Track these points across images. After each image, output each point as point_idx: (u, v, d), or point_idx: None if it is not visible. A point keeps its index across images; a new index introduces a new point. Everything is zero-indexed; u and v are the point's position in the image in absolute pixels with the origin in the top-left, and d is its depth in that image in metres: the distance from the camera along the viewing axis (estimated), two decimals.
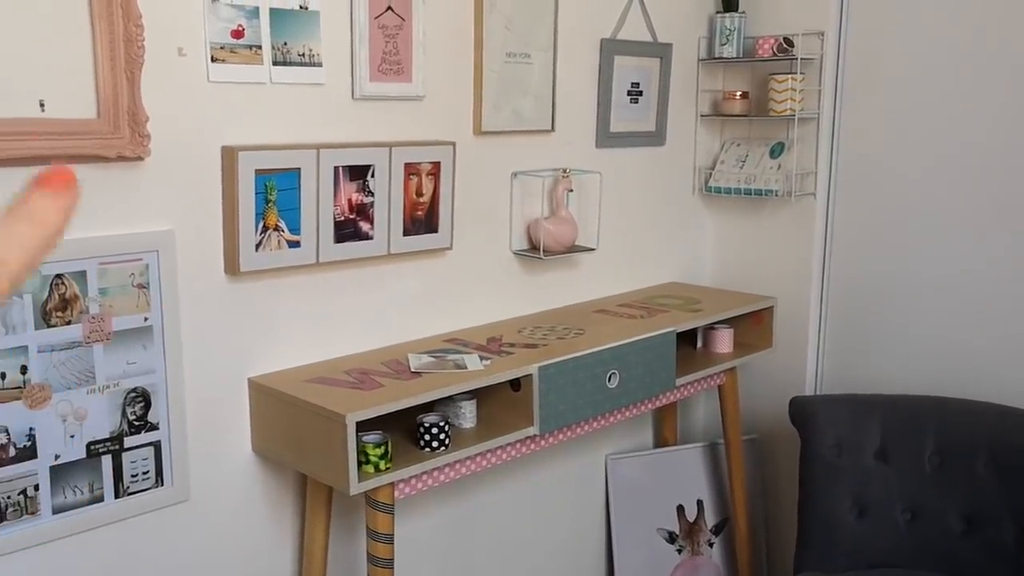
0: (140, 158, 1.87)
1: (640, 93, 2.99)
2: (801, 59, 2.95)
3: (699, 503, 3.19)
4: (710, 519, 3.21)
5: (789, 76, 2.96)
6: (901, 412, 2.70)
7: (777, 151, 3.10)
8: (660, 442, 3.29)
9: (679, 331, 2.61)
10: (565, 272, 2.87)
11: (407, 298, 2.44)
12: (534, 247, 2.72)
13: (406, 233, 2.36)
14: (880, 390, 2.99)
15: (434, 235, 2.42)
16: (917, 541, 2.61)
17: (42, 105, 1.74)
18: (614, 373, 2.41)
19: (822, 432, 2.69)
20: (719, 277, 3.35)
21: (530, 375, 2.22)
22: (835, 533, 2.65)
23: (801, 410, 2.75)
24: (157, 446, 2.00)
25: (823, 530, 2.67)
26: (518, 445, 2.30)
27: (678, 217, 3.24)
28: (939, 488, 2.61)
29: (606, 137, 2.90)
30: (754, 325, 2.96)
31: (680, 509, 3.17)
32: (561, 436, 2.40)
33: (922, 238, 2.92)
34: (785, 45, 2.97)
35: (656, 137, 3.08)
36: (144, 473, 1.99)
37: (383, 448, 1.97)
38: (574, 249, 2.75)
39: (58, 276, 1.80)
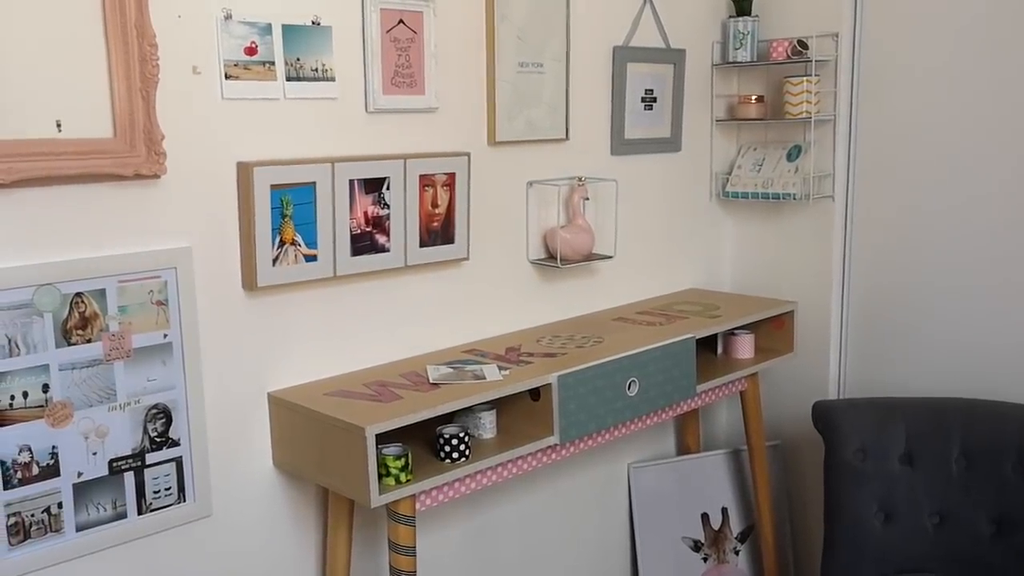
0: (156, 176, 1.89)
1: (654, 100, 2.98)
2: (816, 61, 2.94)
3: (723, 511, 3.17)
4: (735, 526, 3.18)
5: (804, 78, 2.94)
6: (926, 415, 2.66)
7: (794, 154, 3.08)
8: (682, 450, 3.27)
9: (699, 337, 2.59)
10: (582, 280, 2.87)
11: (424, 309, 2.44)
12: (551, 256, 2.72)
13: (422, 244, 2.36)
14: (903, 393, 2.96)
15: (450, 246, 2.42)
16: (945, 546, 2.57)
17: (59, 125, 1.76)
18: (634, 381, 2.40)
19: (846, 437, 2.66)
20: (738, 282, 3.33)
21: (549, 384, 2.21)
22: (862, 539, 2.62)
23: (824, 415, 2.72)
24: (179, 462, 2.01)
25: (849, 536, 2.63)
26: (538, 455, 2.29)
27: (695, 223, 3.22)
28: (967, 492, 2.57)
29: (621, 144, 2.90)
30: (775, 330, 2.94)
31: (705, 517, 3.14)
32: (582, 445, 2.39)
33: (943, 238, 2.89)
34: (799, 47, 2.96)
35: (671, 143, 3.07)
36: (166, 489, 1.99)
37: (403, 460, 1.97)
38: (591, 257, 2.74)
39: (78, 295, 1.82)
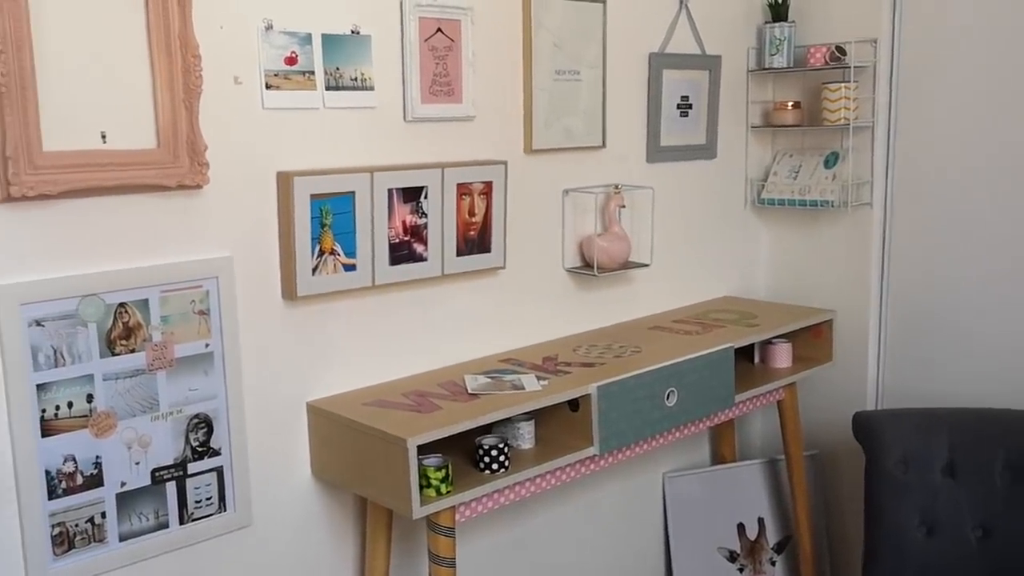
0: (199, 186, 1.89)
1: (690, 106, 2.96)
2: (854, 67, 2.90)
3: (760, 521, 3.13)
4: (771, 537, 3.14)
5: (843, 85, 2.91)
6: (969, 426, 2.62)
7: (831, 161, 3.05)
8: (718, 459, 3.24)
9: (737, 347, 2.57)
10: (618, 289, 2.85)
11: (461, 319, 2.43)
12: (587, 264, 2.70)
13: (459, 253, 2.35)
14: (943, 403, 2.91)
15: (487, 255, 2.41)
16: (989, 560, 2.53)
17: (104, 137, 1.77)
18: (672, 391, 2.38)
19: (888, 448, 2.62)
20: (773, 290, 3.30)
21: (588, 395, 2.19)
22: (903, 551, 2.58)
23: (865, 425, 2.68)
24: (219, 471, 2.01)
25: (891, 548, 2.59)
26: (577, 466, 2.28)
27: (730, 230, 3.20)
28: (1012, 504, 2.52)
29: (657, 151, 2.88)
30: (813, 339, 2.91)
31: (740, 527, 3.11)
32: (619, 455, 2.37)
33: (983, 245, 2.85)
34: (837, 53, 2.93)
35: (707, 150, 3.05)
36: (207, 499, 1.99)
37: (444, 471, 1.96)
38: (628, 265, 2.72)
39: (121, 305, 1.82)
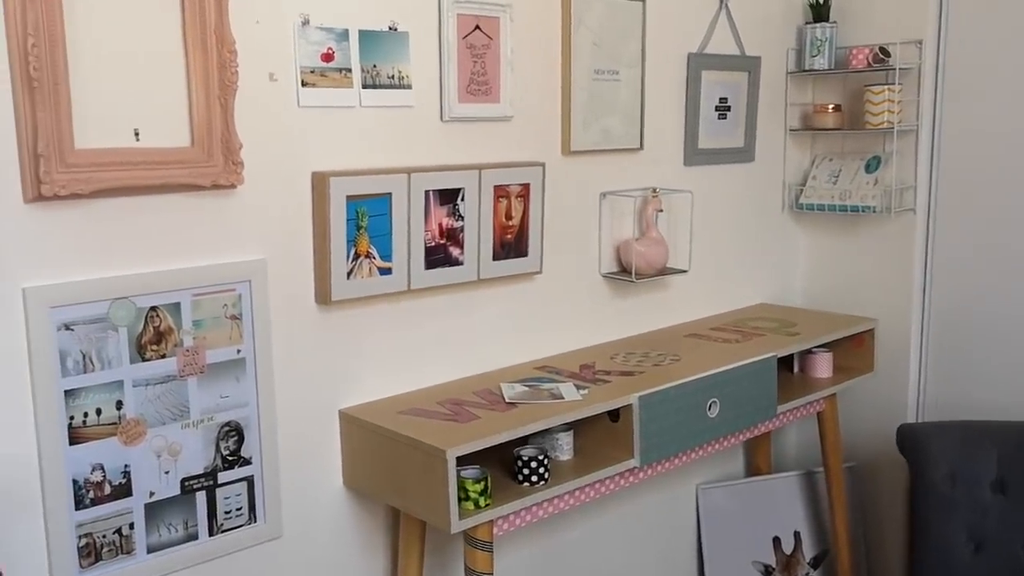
0: (233, 186, 1.83)
1: (728, 108, 2.88)
2: (899, 69, 2.82)
3: (796, 534, 3.05)
4: (808, 551, 3.06)
5: (886, 87, 2.82)
6: (1019, 440, 2.53)
7: (873, 165, 2.96)
8: (752, 470, 3.16)
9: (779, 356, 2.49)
10: (654, 295, 2.77)
11: (496, 324, 2.36)
12: (623, 270, 2.63)
13: (495, 258, 2.28)
14: (987, 416, 2.82)
15: (524, 259, 2.34)
16: None
17: (137, 134, 1.71)
18: (715, 401, 2.30)
19: (934, 462, 2.53)
20: (810, 298, 3.21)
21: (630, 405, 2.12)
22: (951, 569, 2.49)
23: (910, 438, 2.60)
24: (250, 481, 1.94)
25: (938, 565, 2.51)
26: (616, 478, 2.20)
27: (767, 236, 3.12)
28: None
29: (694, 154, 2.80)
30: (854, 348, 2.82)
31: (776, 541, 3.02)
32: (659, 467, 2.29)
33: None
34: (881, 55, 2.84)
35: (745, 153, 2.97)
36: (237, 510, 1.93)
37: (483, 484, 1.89)
38: (665, 271, 2.64)
39: (152, 309, 1.76)
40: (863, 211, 2.94)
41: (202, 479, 1.87)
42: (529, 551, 2.56)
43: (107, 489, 1.74)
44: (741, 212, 3.01)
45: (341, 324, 2.06)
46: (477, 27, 2.20)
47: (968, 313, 2.89)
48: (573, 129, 2.43)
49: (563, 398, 2.11)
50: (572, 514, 2.66)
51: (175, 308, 1.79)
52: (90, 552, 1.73)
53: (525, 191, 2.31)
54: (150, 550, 1.81)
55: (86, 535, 1.73)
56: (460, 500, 1.87)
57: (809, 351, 2.74)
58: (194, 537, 1.87)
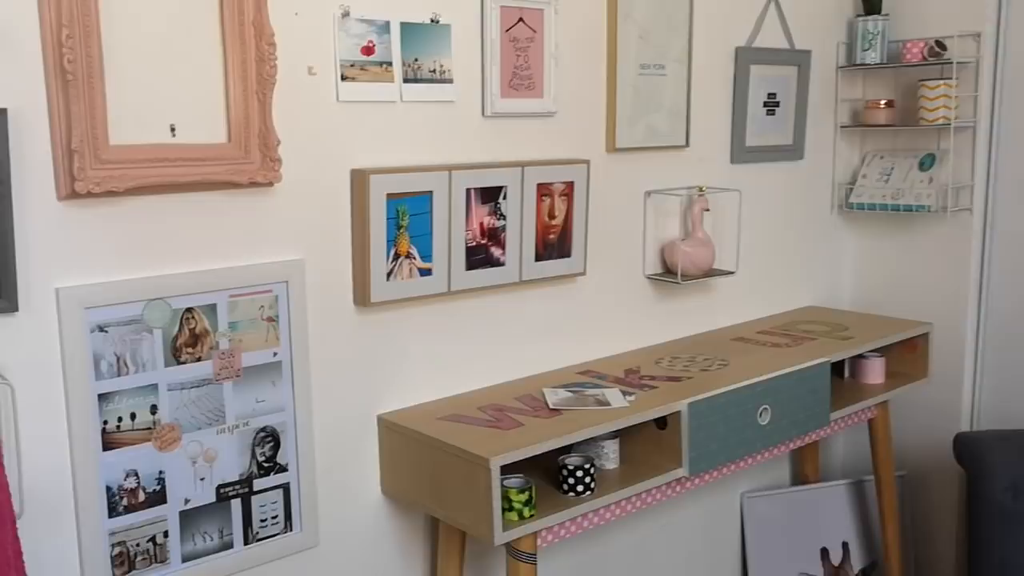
0: (271, 184, 1.77)
1: (776, 104, 2.78)
2: (956, 63, 2.70)
3: (844, 545, 2.94)
4: (856, 563, 2.95)
5: (942, 82, 2.71)
6: None
7: (927, 163, 2.85)
8: (799, 479, 3.06)
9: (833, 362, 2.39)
10: (699, 297, 2.68)
11: (538, 327, 2.29)
12: (667, 271, 2.54)
13: (538, 258, 2.21)
14: None
15: (567, 260, 2.27)
16: None
17: (173, 130, 1.65)
18: (766, 408, 2.21)
19: (995, 473, 2.42)
20: (860, 300, 3.10)
21: (679, 412, 2.03)
22: None
23: (969, 447, 2.49)
24: (286, 488, 1.88)
25: None
26: (664, 488, 2.12)
27: (816, 236, 3.01)
28: None
29: (742, 152, 2.71)
30: (907, 353, 2.71)
31: (824, 552, 2.92)
32: (707, 477, 2.20)
33: None
34: (937, 48, 2.73)
35: (794, 151, 2.87)
36: (273, 518, 1.87)
37: (527, 494, 1.81)
38: (711, 273, 2.55)
39: (188, 310, 1.70)
40: (916, 210, 2.83)
41: (237, 486, 1.81)
42: (568, 561, 2.48)
43: (141, 496, 1.69)
44: (789, 212, 2.91)
45: (380, 327, 2.00)
46: (521, 20, 2.13)
47: None
48: (619, 125, 2.35)
49: (609, 404, 2.03)
50: (613, 524, 2.57)
51: (211, 309, 1.73)
52: (123, 561, 1.68)
53: (569, 189, 2.23)
54: (184, 559, 1.75)
55: (119, 543, 1.67)
56: (504, 511, 1.79)
57: (861, 356, 2.64)
58: (229, 546, 1.81)
